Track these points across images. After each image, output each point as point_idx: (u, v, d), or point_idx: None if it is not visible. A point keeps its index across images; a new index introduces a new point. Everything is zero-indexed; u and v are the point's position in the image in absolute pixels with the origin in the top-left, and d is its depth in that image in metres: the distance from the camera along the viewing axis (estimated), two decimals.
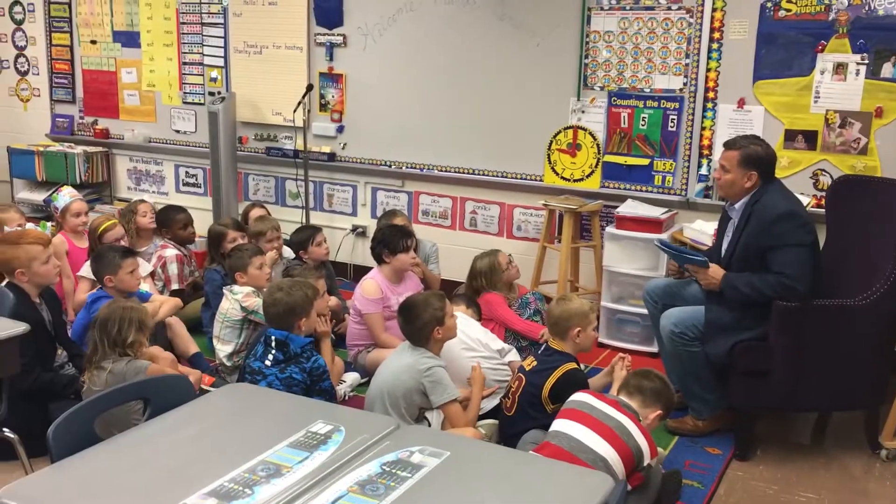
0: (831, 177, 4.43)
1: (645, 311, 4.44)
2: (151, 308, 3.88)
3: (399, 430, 1.97)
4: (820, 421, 3.90)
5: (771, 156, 3.50)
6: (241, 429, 1.98)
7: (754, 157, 3.45)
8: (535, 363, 3.38)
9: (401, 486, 1.70)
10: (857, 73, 4.30)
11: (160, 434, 1.93)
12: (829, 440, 3.76)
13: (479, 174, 5.40)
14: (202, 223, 5.50)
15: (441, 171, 5.52)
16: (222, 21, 6.05)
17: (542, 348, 3.45)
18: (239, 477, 1.73)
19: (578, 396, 2.99)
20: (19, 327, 2.60)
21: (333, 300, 4.54)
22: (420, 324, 3.28)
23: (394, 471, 1.77)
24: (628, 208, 4.72)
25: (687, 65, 4.70)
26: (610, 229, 4.70)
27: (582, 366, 3.52)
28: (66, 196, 4.70)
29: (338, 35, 5.65)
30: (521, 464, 1.87)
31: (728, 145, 3.54)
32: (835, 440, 3.75)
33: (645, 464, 2.85)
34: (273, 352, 3.27)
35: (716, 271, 3.55)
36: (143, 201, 5.25)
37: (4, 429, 2.94)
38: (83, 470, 1.77)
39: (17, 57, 7.08)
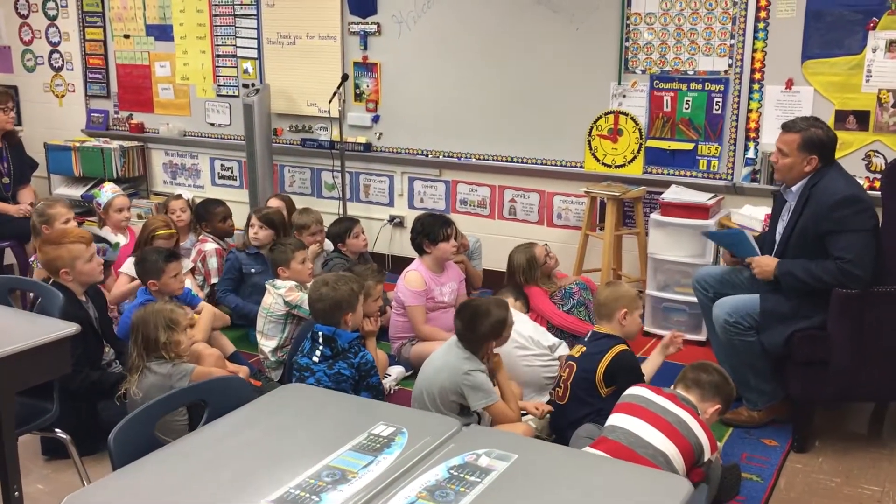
0: (884, 158, 4.30)
1: (691, 298, 4.36)
2: (203, 323, 3.84)
3: (462, 431, 1.91)
4: (877, 411, 3.80)
5: (832, 139, 3.37)
6: (301, 432, 1.93)
7: (815, 140, 3.33)
8: (584, 349, 3.33)
9: (471, 492, 1.65)
10: None
11: (221, 438, 1.89)
12: (888, 431, 3.65)
13: (517, 162, 5.32)
14: (239, 216, 5.49)
15: (479, 159, 5.44)
16: (255, 12, 6.01)
17: (590, 334, 3.39)
18: (305, 483, 1.68)
19: (635, 390, 2.92)
20: (70, 328, 2.57)
21: None
22: (479, 334, 3.22)
23: (462, 475, 1.71)
24: (673, 194, 4.62)
25: (732, 46, 4.58)
26: (655, 216, 4.60)
27: None
28: (108, 192, 4.69)
29: (372, 23, 5.59)
30: (593, 467, 1.81)
31: (787, 128, 3.41)
32: (894, 430, 3.64)
33: (705, 459, 2.78)
34: (320, 347, 3.23)
35: (768, 260, 3.46)
36: (178, 197, 5.23)
37: (57, 430, 2.93)
38: (145, 477, 1.73)
39: (51, 53, 7.09)
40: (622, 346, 3.24)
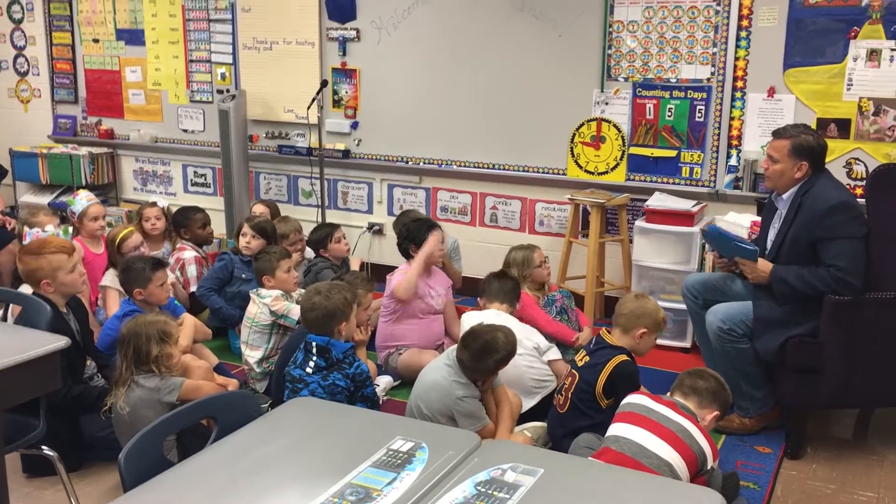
0: (865, 165, 4.35)
1: (676, 305, 4.37)
2: (186, 331, 3.73)
3: (483, 445, 1.87)
4: (862, 415, 3.82)
5: (822, 146, 3.40)
6: (317, 448, 1.87)
7: (805, 147, 3.35)
8: (587, 358, 3.28)
9: None
10: (892, 59, 4.22)
11: (235, 457, 1.81)
12: (875, 435, 3.68)
13: (499, 169, 5.29)
14: (214, 223, 5.38)
15: (460, 166, 5.41)
16: (230, 17, 5.91)
17: (594, 340, 3.34)
18: (328, 502, 1.62)
19: (634, 398, 2.90)
20: (60, 341, 2.47)
21: None
22: (484, 368, 3.17)
23: (490, 491, 1.67)
24: (657, 201, 4.62)
25: (714, 54, 4.61)
26: (639, 223, 4.61)
27: None
28: (83, 200, 4.55)
29: (351, 29, 5.53)
30: (624, 481, 1.77)
31: (777, 134, 3.43)
32: (880, 435, 3.67)
33: (708, 467, 2.77)
34: (314, 358, 3.15)
35: (764, 265, 3.47)
36: (153, 204, 5.11)
37: (44, 447, 2.82)
38: (162, 498, 1.66)
39: (16, 57, 6.91)
40: (623, 357, 3.20)
